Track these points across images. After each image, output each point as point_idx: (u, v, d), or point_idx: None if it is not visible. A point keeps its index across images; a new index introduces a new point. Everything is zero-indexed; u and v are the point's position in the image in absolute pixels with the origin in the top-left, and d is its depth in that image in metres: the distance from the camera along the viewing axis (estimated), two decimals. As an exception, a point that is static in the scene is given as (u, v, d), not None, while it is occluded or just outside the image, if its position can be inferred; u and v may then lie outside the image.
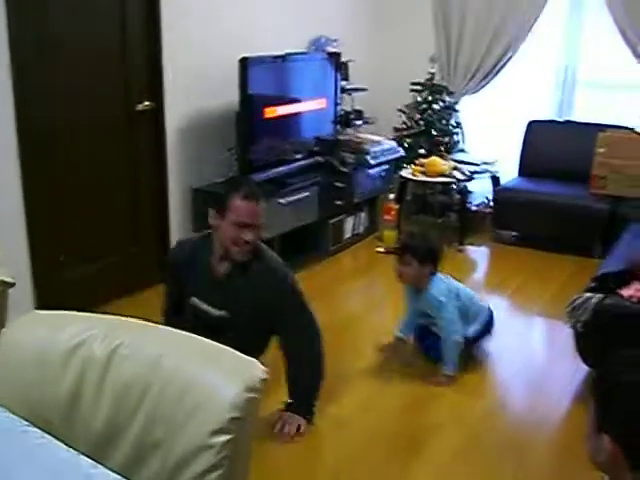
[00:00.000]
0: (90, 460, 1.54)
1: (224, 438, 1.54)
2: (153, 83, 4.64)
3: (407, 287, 3.94)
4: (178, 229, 4.98)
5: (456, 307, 3.79)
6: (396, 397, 3.61)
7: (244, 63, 4.58)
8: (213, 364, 1.64)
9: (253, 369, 1.59)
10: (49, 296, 4.16)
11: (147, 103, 4.62)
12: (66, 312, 1.86)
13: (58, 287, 4.26)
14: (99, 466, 1.53)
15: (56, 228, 4.21)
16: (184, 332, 1.77)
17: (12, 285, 2.23)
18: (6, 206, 3.89)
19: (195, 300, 3.32)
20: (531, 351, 4.26)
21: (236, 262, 3.19)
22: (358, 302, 4.96)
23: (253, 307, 3.19)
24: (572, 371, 3.79)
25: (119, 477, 1.46)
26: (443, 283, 3.81)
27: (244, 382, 1.54)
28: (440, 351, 3.78)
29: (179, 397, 1.57)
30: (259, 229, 3.20)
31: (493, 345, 4.15)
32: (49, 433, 1.66)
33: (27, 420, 1.69)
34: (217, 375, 1.60)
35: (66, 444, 1.63)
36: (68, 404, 1.70)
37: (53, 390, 1.71)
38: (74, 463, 1.53)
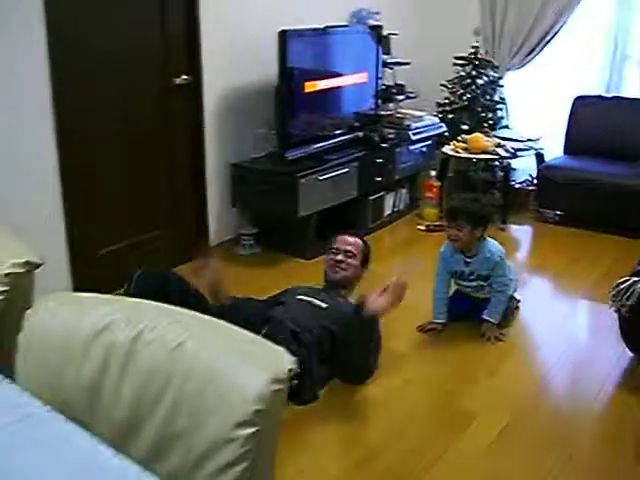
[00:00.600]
0: (110, 450, 1.49)
1: (248, 431, 1.47)
2: (191, 56, 4.58)
3: (448, 260, 3.97)
4: (216, 205, 4.94)
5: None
6: (436, 378, 3.54)
7: (283, 36, 4.49)
8: (239, 353, 1.58)
9: (281, 359, 1.53)
10: (86, 277, 4.15)
11: (185, 77, 4.56)
12: (91, 294, 1.81)
13: (95, 267, 4.25)
14: (119, 456, 1.47)
15: (92, 207, 4.19)
16: (209, 317, 1.71)
17: (39, 265, 2.18)
18: (42, 185, 3.88)
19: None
20: (574, 335, 4.13)
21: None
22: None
23: None
24: (616, 357, 3.67)
25: (137, 469, 1.41)
26: (494, 243, 3.96)
27: (271, 373, 1.47)
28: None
29: (202, 387, 1.51)
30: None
31: (535, 327, 4.05)
32: (73, 419, 1.61)
33: (51, 405, 1.65)
34: (242, 364, 1.53)
35: (89, 431, 1.58)
36: (91, 391, 1.65)
37: (76, 376, 1.66)
38: (94, 453, 1.48)
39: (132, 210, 4.44)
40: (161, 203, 4.65)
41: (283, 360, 1.52)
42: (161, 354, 1.57)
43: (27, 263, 2.16)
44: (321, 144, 5.05)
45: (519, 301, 4.22)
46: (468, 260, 3.91)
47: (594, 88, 6.11)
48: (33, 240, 3.67)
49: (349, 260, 3.85)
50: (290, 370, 1.49)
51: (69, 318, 1.72)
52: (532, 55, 6.19)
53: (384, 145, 5.48)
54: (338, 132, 5.23)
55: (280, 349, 1.57)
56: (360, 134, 5.45)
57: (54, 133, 3.85)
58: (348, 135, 5.34)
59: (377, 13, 5.78)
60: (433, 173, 5.90)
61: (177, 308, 1.74)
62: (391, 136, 5.61)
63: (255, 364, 1.52)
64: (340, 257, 3.84)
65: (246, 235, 5.04)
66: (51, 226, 3.95)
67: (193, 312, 1.72)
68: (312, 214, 4.87)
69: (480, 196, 4.90)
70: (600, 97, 6.03)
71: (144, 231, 4.55)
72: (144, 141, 4.44)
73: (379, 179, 5.44)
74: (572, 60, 6.16)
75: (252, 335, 1.64)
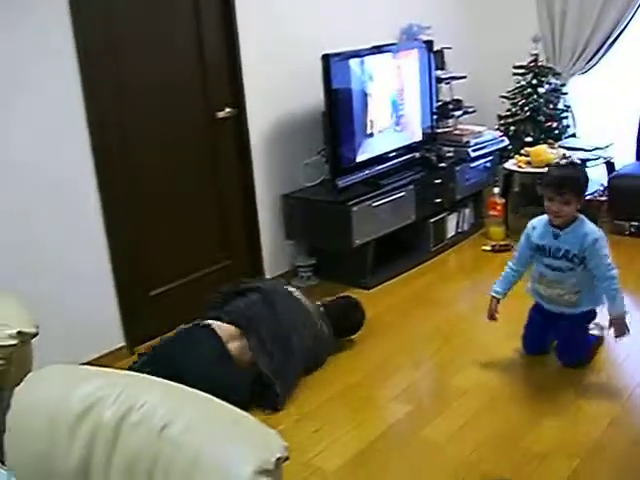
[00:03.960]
0: None
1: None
2: (233, 89, 4.47)
3: (534, 232, 3.63)
4: (269, 237, 4.81)
5: None
6: (505, 415, 3.30)
7: (326, 60, 4.34)
8: (226, 437, 1.42)
9: (269, 446, 1.35)
10: (138, 321, 4.10)
11: (228, 110, 4.45)
12: (83, 367, 1.70)
13: (147, 310, 4.18)
14: None
15: (140, 247, 4.11)
16: (204, 394, 1.55)
17: (34, 335, 2.07)
18: (87, 228, 3.81)
19: None
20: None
21: None
22: (464, 306, 4.63)
23: None
24: None
25: None
26: (591, 223, 3.56)
27: (258, 462, 1.30)
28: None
29: (187, 475, 1.35)
30: None
31: (615, 346, 3.79)
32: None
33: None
34: (229, 452, 1.37)
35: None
36: (79, 475, 1.52)
37: (64, 458, 1.54)
38: None
39: (182, 248, 4.34)
40: (212, 239, 4.55)
41: (272, 445, 1.35)
42: (147, 438, 1.43)
43: (20, 334, 2.04)
44: (375, 168, 4.86)
45: (603, 329, 3.83)
46: (558, 232, 3.51)
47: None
48: (80, 287, 3.77)
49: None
50: (279, 459, 1.31)
51: (57, 395, 1.60)
52: (595, 59, 5.90)
53: (442, 165, 5.27)
54: (393, 154, 5.04)
55: (271, 431, 1.39)
56: (417, 154, 5.25)
57: (95, 175, 3.79)
58: (404, 156, 5.15)
59: (428, 28, 5.58)
60: (496, 190, 5.64)
61: (168, 382, 1.59)
62: (450, 154, 5.39)
63: (242, 452, 1.36)
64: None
65: (303, 267, 4.90)
66: (98, 270, 3.88)
67: (183, 387, 1.57)
68: (369, 242, 4.69)
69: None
70: (673, 98, 5.69)
71: (196, 269, 4.45)
72: (190, 177, 4.35)
73: (439, 200, 5.22)
74: (640, 61, 5.84)
75: (243, 414, 1.47)
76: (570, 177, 3.49)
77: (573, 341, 3.66)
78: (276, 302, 3.67)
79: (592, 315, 3.71)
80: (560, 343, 3.72)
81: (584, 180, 3.54)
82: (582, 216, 3.53)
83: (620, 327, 3.48)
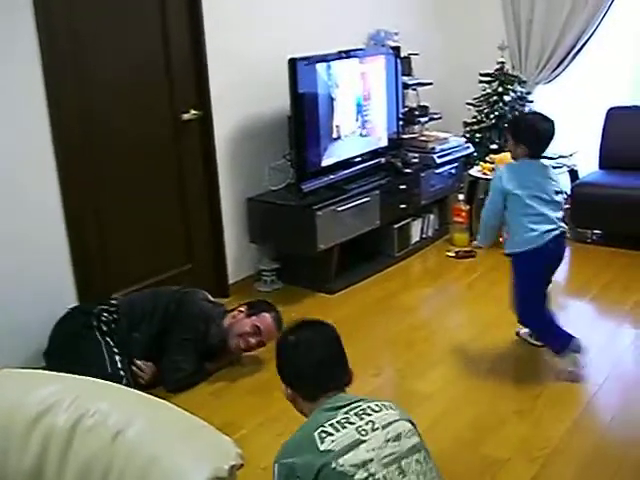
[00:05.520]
0: None
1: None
2: (199, 91, 4.43)
3: (517, 174, 3.63)
4: (233, 241, 4.78)
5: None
6: (467, 420, 3.31)
7: (293, 64, 4.33)
8: (181, 444, 1.40)
9: (224, 453, 1.33)
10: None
11: (194, 112, 4.41)
12: (38, 371, 1.66)
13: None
14: None
15: (102, 250, 4.05)
16: (157, 399, 1.53)
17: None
18: (47, 226, 3.75)
19: None
20: (617, 360, 3.85)
21: None
22: (428, 311, 4.63)
23: None
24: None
25: None
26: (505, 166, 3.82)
27: (210, 471, 1.28)
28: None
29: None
30: None
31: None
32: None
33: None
34: (182, 459, 1.35)
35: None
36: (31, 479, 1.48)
37: (16, 465, 1.51)
38: None
39: (144, 251, 4.29)
40: (175, 242, 4.50)
41: (227, 453, 1.32)
42: (101, 443, 1.40)
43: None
44: (340, 173, 4.85)
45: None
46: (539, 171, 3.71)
47: (629, 98, 5.83)
48: (40, 287, 3.71)
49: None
50: (233, 466, 1.29)
51: (11, 399, 1.57)
52: (561, 67, 5.95)
53: (407, 170, 5.27)
54: (358, 159, 5.03)
55: (225, 439, 1.37)
56: (382, 160, 5.25)
57: (57, 175, 3.73)
58: (369, 162, 5.14)
59: (396, 34, 5.59)
60: (461, 197, 5.66)
61: (124, 388, 1.56)
62: (415, 160, 5.40)
63: (196, 459, 1.33)
64: (254, 342, 3.75)
65: (266, 271, 4.87)
66: (59, 271, 3.82)
67: (139, 392, 1.54)
68: (333, 246, 4.67)
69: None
70: (636, 107, 5.75)
71: (158, 272, 4.38)
72: (154, 180, 4.30)
73: (403, 206, 5.21)
74: (604, 70, 5.88)
75: (198, 421, 1.44)
76: (510, 119, 3.66)
77: None
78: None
79: (513, 260, 3.71)
80: None
81: (519, 124, 3.81)
82: (513, 163, 3.72)
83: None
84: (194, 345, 3.70)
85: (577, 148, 5.74)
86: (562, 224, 3.62)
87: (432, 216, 5.71)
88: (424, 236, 5.64)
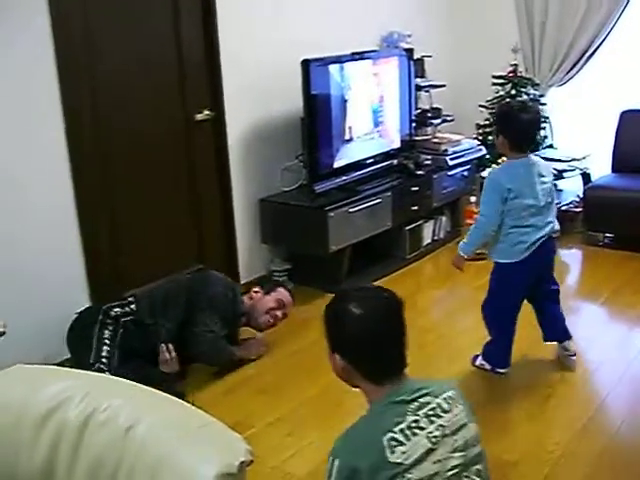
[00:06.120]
0: None
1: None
2: (212, 91, 4.45)
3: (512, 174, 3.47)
4: (245, 241, 4.79)
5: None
6: (478, 420, 3.30)
7: (306, 65, 4.34)
8: (190, 440, 1.41)
9: (234, 450, 1.34)
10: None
11: (207, 112, 4.43)
12: (49, 367, 1.68)
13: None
14: None
15: (114, 250, 4.07)
16: (166, 395, 1.54)
17: (1, 334, 2.04)
18: (60, 228, 3.77)
19: None
20: (628, 364, 3.83)
21: None
22: (439, 313, 4.65)
23: None
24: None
25: None
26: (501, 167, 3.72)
27: (221, 466, 1.29)
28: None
29: (151, 476, 1.34)
30: None
31: (587, 355, 3.84)
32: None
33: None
34: (192, 454, 1.37)
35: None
36: (44, 476, 1.50)
37: (27, 461, 1.52)
38: None
39: (157, 251, 4.30)
40: (188, 242, 4.51)
41: (236, 449, 1.34)
42: (112, 439, 1.42)
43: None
44: (353, 174, 4.86)
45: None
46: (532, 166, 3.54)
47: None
48: (52, 285, 3.74)
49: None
50: (242, 462, 1.30)
51: (22, 396, 1.59)
52: (574, 70, 5.94)
53: (420, 172, 5.27)
54: (370, 161, 5.04)
55: (235, 435, 1.38)
56: (395, 162, 5.26)
57: (70, 175, 3.76)
58: (382, 163, 5.15)
59: (409, 36, 5.59)
60: (473, 199, 5.66)
61: (134, 384, 1.58)
62: (427, 162, 5.40)
63: (206, 455, 1.34)
64: (280, 315, 4.04)
65: (278, 271, 4.88)
66: (71, 271, 3.85)
67: (149, 388, 1.55)
68: (345, 248, 4.68)
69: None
70: (649, 111, 5.74)
71: (171, 272, 4.37)
72: (167, 179, 4.32)
73: (415, 208, 5.22)
74: (618, 73, 5.87)
75: (208, 417, 1.46)
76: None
77: None
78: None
79: (496, 266, 3.63)
80: None
81: (500, 116, 3.71)
82: (506, 161, 3.59)
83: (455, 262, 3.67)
84: (223, 312, 3.78)
85: (590, 151, 5.73)
86: (553, 224, 3.54)
87: (444, 218, 5.71)
88: (436, 238, 5.64)
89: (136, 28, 4.04)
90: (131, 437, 1.41)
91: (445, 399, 1.89)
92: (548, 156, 5.62)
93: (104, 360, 3.41)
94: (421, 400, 1.84)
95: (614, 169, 5.73)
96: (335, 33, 5.08)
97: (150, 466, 1.37)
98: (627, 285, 4.76)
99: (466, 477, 1.82)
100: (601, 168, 5.75)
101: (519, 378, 3.69)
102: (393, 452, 1.71)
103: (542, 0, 5.89)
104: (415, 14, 5.92)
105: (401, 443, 1.73)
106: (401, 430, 1.75)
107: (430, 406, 1.83)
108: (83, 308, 3.73)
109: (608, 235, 5.51)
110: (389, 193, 4.96)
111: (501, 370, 3.66)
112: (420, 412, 1.81)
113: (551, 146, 6.05)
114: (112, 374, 3.08)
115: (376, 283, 4.89)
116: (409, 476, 1.71)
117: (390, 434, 1.74)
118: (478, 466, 1.87)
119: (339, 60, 4.63)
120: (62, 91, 3.64)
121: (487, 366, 3.71)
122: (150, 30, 4.12)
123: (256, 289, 4.05)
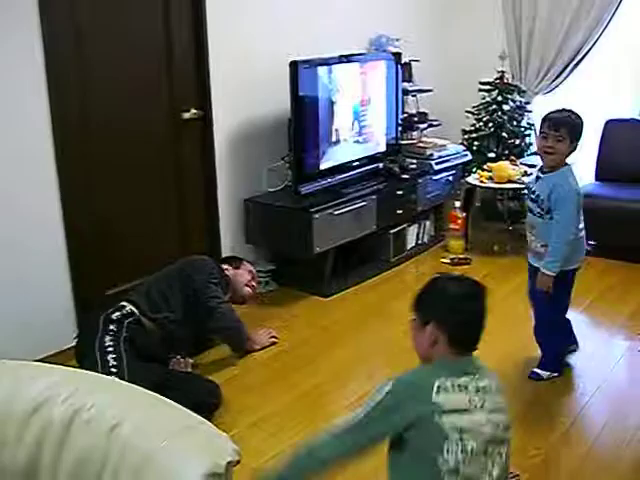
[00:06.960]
0: None
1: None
2: (200, 90, 4.45)
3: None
4: (229, 241, 4.79)
5: (578, 206, 3.48)
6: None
7: (294, 67, 4.34)
8: (176, 440, 1.39)
9: (221, 449, 1.33)
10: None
11: (194, 111, 4.42)
12: (34, 364, 1.66)
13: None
14: None
15: (99, 246, 4.06)
16: (155, 394, 1.53)
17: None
18: (44, 225, 3.76)
19: None
20: (610, 370, 3.87)
21: None
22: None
23: None
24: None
25: None
26: (575, 177, 3.53)
27: (207, 466, 1.28)
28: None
29: (136, 475, 1.33)
30: None
31: (570, 361, 3.87)
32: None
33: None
34: (178, 453, 1.36)
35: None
36: (26, 473, 1.48)
37: (11, 459, 1.50)
38: None
39: (141, 249, 4.30)
40: (172, 240, 4.51)
41: (223, 449, 1.33)
42: (97, 437, 1.41)
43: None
44: (338, 176, 4.86)
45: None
46: (540, 174, 3.51)
47: (626, 111, 5.86)
48: (35, 282, 3.71)
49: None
50: (229, 462, 1.29)
51: (6, 393, 1.57)
52: (560, 78, 5.98)
53: (405, 176, 5.28)
54: (356, 164, 5.04)
55: (222, 435, 1.37)
56: (380, 165, 5.27)
57: (56, 172, 3.75)
58: (367, 166, 5.16)
59: (397, 40, 5.61)
60: (458, 204, 5.67)
61: (120, 382, 1.57)
62: (413, 166, 5.42)
63: (193, 454, 1.33)
64: (256, 284, 4.27)
65: (262, 272, 4.86)
66: (55, 267, 3.84)
67: (134, 387, 1.54)
68: (329, 250, 4.68)
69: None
70: (633, 120, 5.78)
71: (154, 270, 4.38)
72: (153, 178, 4.32)
73: (400, 211, 5.23)
74: (603, 82, 5.92)
75: (194, 417, 1.45)
76: (567, 117, 3.47)
77: (534, 294, 3.64)
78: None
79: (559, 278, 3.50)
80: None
81: (580, 124, 3.51)
82: (570, 169, 3.51)
83: (541, 282, 3.47)
84: (220, 286, 3.84)
85: (574, 160, 5.74)
86: None
87: (428, 222, 5.73)
88: (420, 242, 5.66)
89: (125, 28, 4.03)
90: (116, 436, 1.39)
91: (496, 385, 2.15)
92: (533, 163, 5.66)
93: (113, 370, 3.34)
94: (477, 375, 2.10)
95: (598, 178, 5.77)
96: (324, 35, 5.09)
97: (135, 465, 1.35)
98: (609, 293, 4.79)
99: (492, 450, 2.02)
100: (585, 177, 5.76)
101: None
102: (438, 394, 1.98)
103: (530, 8, 5.92)
104: (404, 18, 5.93)
105: (446, 390, 1.99)
106: (452, 383, 2.01)
107: (482, 383, 2.08)
108: (82, 319, 3.78)
109: (591, 243, 5.52)
110: (374, 196, 4.96)
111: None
112: (472, 382, 2.06)
113: (536, 153, 6.06)
114: (127, 380, 3.07)
115: (360, 286, 4.93)
116: (444, 419, 1.95)
117: (441, 380, 2.01)
118: (503, 448, 2.07)
119: (327, 62, 4.64)
120: (49, 91, 3.64)
121: (555, 373, 3.73)
122: (139, 29, 4.11)
123: (225, 266, 4.06)
